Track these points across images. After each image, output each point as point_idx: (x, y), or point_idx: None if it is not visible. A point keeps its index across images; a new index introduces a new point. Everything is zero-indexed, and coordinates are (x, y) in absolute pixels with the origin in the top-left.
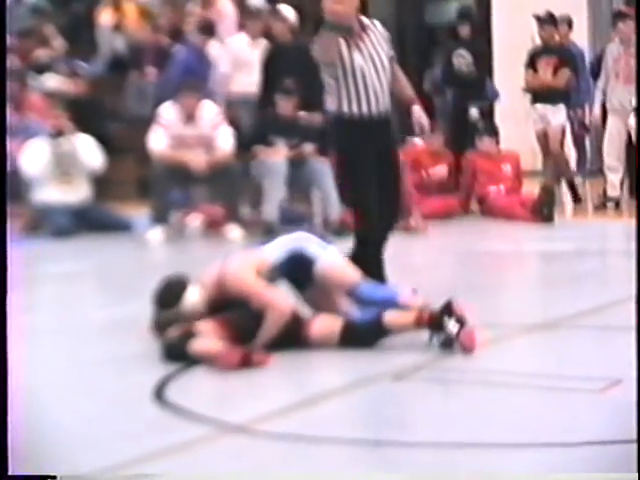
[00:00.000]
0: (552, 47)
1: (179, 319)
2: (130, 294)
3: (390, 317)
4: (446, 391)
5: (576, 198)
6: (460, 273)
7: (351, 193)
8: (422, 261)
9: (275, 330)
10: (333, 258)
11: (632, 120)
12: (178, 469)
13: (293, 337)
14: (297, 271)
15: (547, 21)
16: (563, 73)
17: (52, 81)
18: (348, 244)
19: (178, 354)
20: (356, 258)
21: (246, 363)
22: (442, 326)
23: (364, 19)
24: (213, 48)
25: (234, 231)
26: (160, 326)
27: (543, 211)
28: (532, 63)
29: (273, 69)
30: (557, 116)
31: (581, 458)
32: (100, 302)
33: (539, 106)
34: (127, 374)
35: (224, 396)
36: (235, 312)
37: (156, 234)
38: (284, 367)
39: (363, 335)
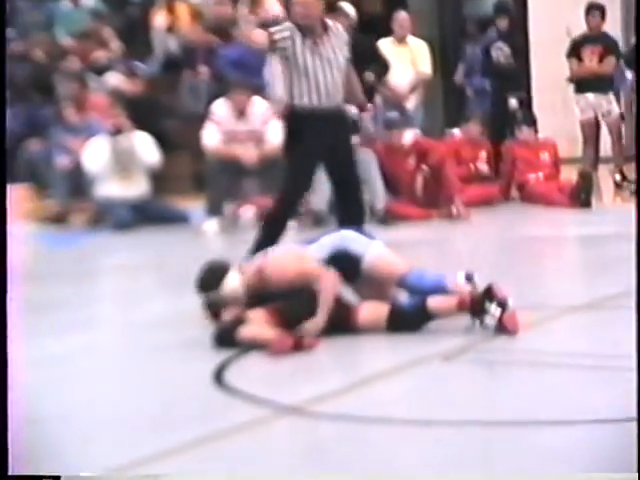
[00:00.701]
0: (596, 35)
1: (219, 302)
2: (189, 284)
3: (434, 302)
4: (493, 371)
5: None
6: (502, 258)
7: (287, 175)
8: (465, 247)
9: (330, 298)
10: (379, 252)
11: None
12: (237, 450)
13: (341, 323)
14: (342, 268)
15: (596, 9)
16: (609, 61)
17: (112, 79)
18: (395, 233)
19: (229, 340)
20: (260, 238)
21: (298, 347)
22: (484, 310)
23: (328, 22)
24: None
25: None
26: (209, 308)
27: (581, 197)
28: (576, 52)
29: None
30: (613, 105)
31: (626, 433)
32: (160, 292)
33: (589, 95)
34: (188, 361)
35: (279, 379)
36: (282, 301)
37: (211, 225)
38: (336, 351)
39: (409, 320)
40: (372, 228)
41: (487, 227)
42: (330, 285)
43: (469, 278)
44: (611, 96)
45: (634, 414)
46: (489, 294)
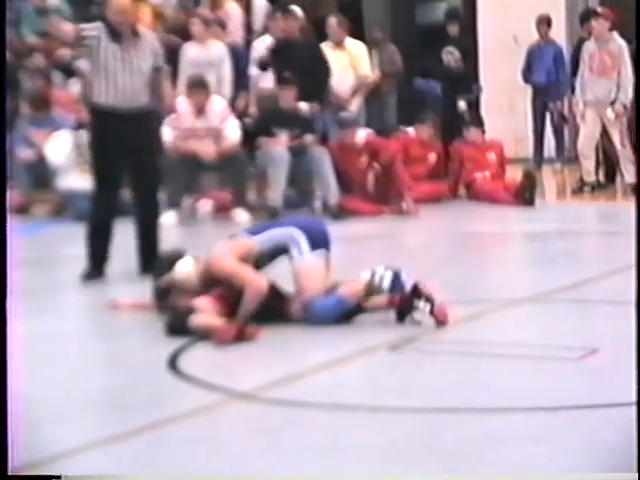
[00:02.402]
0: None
1: (171, 286)
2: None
3: (365, 302)
4: (438, 361)
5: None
6: (449, 252)
7: (92, 168)
8: (414, 241)
9: (252, 306)
10: (308, 266)
11: (609, 112)
12: (192, 433)
13: (275, 312)
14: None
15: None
16: None
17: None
18: (347, 227)
19: (181, 329)
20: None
21: (240, 337)
22: (414, 307)
23: (141, 29)
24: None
25: (241, 215)
26: (156, 293)
27: (525, 195)
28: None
29: (279, 61)
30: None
31: (562, 421)
32: (119, 280)
33: None
34: (144, 347)
35: (231, 366)
36: (227, 288)
37: (170, 218)
38: (286, 340)
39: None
40: (325, 222)
41: (435, 223)
42: (253, 294)
43: (396, 276)
44: None
45: (567, 401)
46: (416, 292)
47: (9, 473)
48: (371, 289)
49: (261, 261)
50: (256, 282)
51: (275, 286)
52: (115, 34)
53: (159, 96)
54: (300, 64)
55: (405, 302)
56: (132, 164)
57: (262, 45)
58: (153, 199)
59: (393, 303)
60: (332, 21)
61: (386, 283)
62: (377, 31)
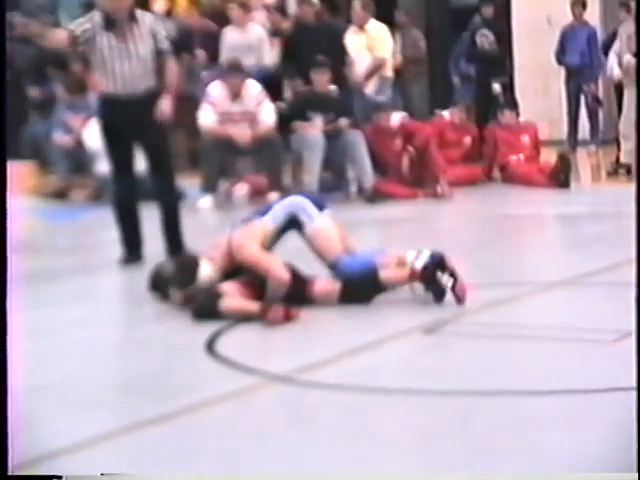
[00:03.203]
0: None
1: (199, 294)
2: None
3: (385, 274)
4: (472, 344)
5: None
6: (483, 235)
7: (107, 156)
8: (448, 225)
9: (276, 295)
10: (322, 225)
11: None
12: (229, 416)
13: (297, 296)
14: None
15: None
16: None
17: None
18: (381, 211)
19: (208, 313)
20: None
21: (288, 318)
22: (436, 280)
23: (137, 13)
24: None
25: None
26: (185, 302)
27: (560, 177)
28: None
29: (298, 44)
30: None
31: (596, 404)
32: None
33: None
34: (182, 331)
35: (269, 349)
36: (251, 275)
37: (206, 202)
38: (322, 324)
39: (361, 292)
40: (360, 206)
41: (470, 206)
42: (276, 285)
43: (432, 258)
44: None
45: (600, 384)
46: (441, 265)
47: (9, 473)
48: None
49: (276, 238)
50: (279, 273)
51: (295, 270)
52: (109, 22)
53: (163, 78)
54: (316, 48)
55: (428, 274)
56: (142, 149)
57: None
58: (169, 181)
59: (415, 275)
60: (356, 4)
61: (419, 263)
62: (401, 15)
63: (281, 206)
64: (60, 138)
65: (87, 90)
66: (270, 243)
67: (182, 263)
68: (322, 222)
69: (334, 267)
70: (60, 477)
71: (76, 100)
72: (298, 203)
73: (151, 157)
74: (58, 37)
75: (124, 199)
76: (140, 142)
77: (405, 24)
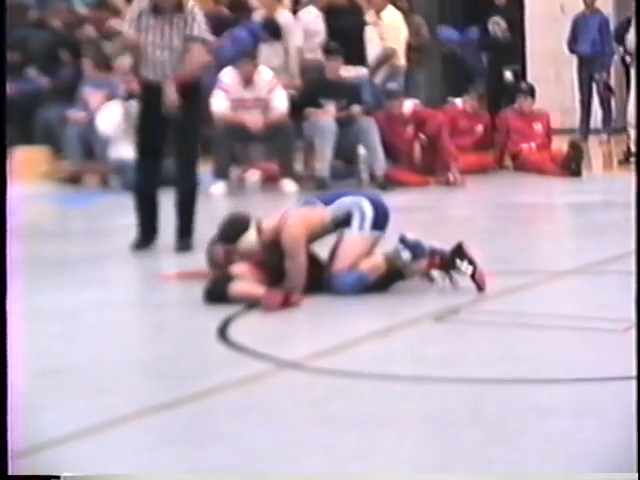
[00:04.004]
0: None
1: (237, 254)
2: (197, 243)
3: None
4: (483, 332)
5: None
6: (495, 223)
7: (135, 140)
8: (460, 212)
9: (293, 285)
10: (352, 239)
11: None
12: (240, 402)
13: (315, 282)
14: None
15: None
16: None
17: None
18: (393, 198)
19: (219, 297)
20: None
21: (287, 304)
22: (455, 267)
23: (189, 5)
24: (286, 21)
25: (289, 185)
26: (219, 258)
27: (572, 166)
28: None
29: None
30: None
31: (607, 393)
32: (169, 251)
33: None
34: (194, 317)
35: (280, 336)
36: (266, 256)
37: (218, 188)
38: (333, 311)
39: (379, 280)
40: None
41: (481, 194)
42: (297, 274)
43: (416, 244)
44: None
45: (616, 374)
46: (460, 252)
47: (9, 473)
48: (391, 261)
49: (329, 230)
50: (301, 269)
51: (314, 256)
52: (156, 9)
53: (188, 63)
54: (345, 31)
55: (447, 261)
56: (172, 135)
57: (307, 15)
58: (191, 167)
59: (434, 265)
60: None
61: (406, 254)
62: (401, 1)
63: (347, 201)
64: (74, 114)
65: (113, 69)
66: (322, 233)
67: (233, 219)
68: (358, 236)
69: (330, 280)
70: (58, 477)
71: (100, 77)
72: (362, 207)
73: (179, 143)
74: (112, 23)
75: (146, 184)
76: (170, 129)
77: (405, 11)
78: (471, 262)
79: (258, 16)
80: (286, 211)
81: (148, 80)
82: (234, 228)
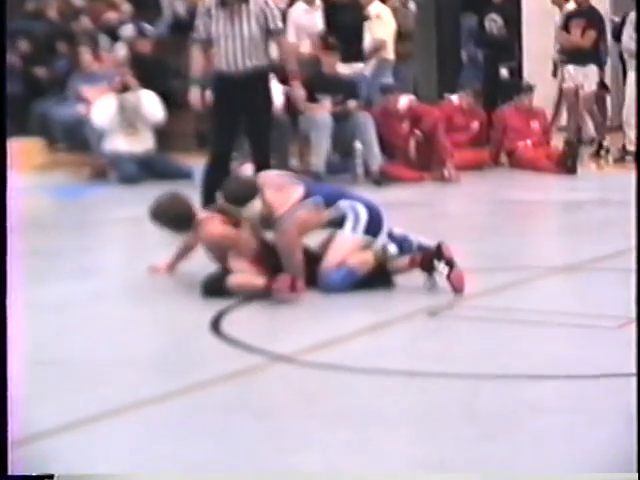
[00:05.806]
0: (582, 10)
1: (241, 217)
2: None
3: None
4: (477, 327)
5: (598, 154)
6: (490, 220)
7: (211, 129)
8: (455, 208)
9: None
10: (344, 239)
11: None
12: (232, 395)
13: (309, 276)
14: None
15: None
16: (589, 34)
17: (127, 31)
18: (388, 193)
19: (216, 290)
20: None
21: (294, 289)
22: (433, 267)
23: None
24: None
25: None
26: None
27: (567, 163)
28: (566, 25)
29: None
30: (589, 80)
31: (601, 390)
32: (162, 244)
33: (570, 67)
34: (187, 310)
35: (273, 329)
36: (261, 251)
37: None
38: (327, 305)
39: (367, 278)
40: (367, 188)
41: (476, 190)
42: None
43: (403, 239)
44: (589, 69)
45: (606, 369)
46: (438, 253)
47: (9, 473)
48: (379, 256)
49: (322, 227)
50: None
51: (308, 250)
52: (223, 1)
53: (285, 59)
54: (346, 27)
55: (426, 261)
56: (245, 124)
57: (296, 12)
58: (264, 158)
59: (415, 262)
60: None
61: (392, 248)
62: None
63: (345, 205)
64: (78, 109)
65: (103, 62)
66: (315, 230)
67: (244, 183)
68: (350, 237)
69: (320, 277)
70: (52, 476)
71: (95, 70)
72: (358, 213)
73: (251, 133)
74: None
75: (217, 167)
76: (244, 118)
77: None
78: (448, 263)
79: None
80: (296, 186)
81: (221, 71)
82: (244, 192)
